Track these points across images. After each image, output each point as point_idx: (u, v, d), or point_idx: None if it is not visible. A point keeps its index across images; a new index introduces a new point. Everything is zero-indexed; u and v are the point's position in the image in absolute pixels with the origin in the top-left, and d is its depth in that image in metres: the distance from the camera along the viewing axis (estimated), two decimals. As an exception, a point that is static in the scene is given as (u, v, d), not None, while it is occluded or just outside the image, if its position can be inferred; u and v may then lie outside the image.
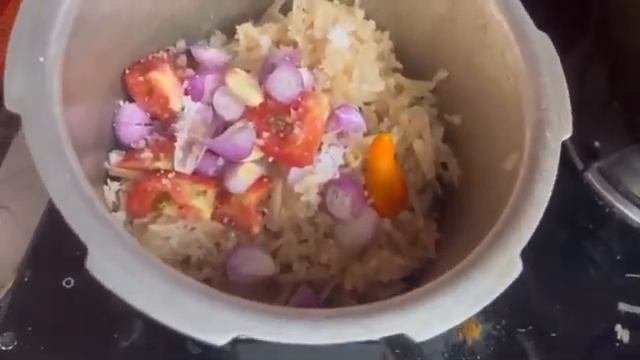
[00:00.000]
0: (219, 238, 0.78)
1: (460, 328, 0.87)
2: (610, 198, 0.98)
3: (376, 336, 0.51)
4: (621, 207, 0.98)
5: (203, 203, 0.75)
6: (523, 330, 0.89)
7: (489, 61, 0.73)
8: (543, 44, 0.67)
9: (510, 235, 0.58)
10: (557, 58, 0.67)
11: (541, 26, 0.69)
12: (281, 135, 0.74)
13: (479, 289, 0.55)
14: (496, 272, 0.56)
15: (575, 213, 0.99)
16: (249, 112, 0.77)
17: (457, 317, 0.53)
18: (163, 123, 0.82)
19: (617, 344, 0.91)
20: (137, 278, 0.50)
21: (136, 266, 0.50)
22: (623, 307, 0.95)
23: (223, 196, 0.78)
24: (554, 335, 0.89)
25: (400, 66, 0.87)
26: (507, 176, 0.65)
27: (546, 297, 0.92)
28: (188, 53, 0.85)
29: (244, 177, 0.75)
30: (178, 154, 0.75)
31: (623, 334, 0.92)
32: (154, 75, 0.77)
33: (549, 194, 0.60)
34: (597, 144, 0.99)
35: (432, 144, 0.82)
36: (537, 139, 0.64)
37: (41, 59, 0.57)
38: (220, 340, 0.49)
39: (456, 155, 0.84)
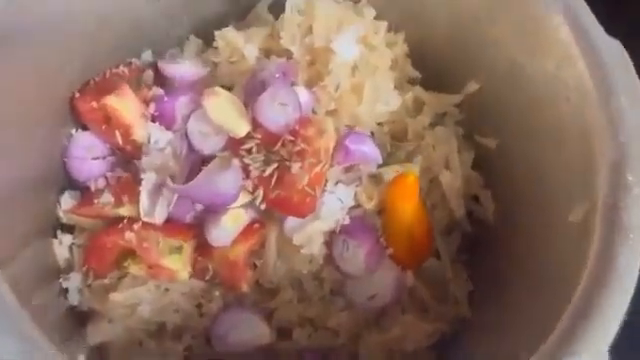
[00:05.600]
0: (200, 299, 0.63)
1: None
2: None
3: None
4: None
5: (178, 262, 0.60)
6: None
7: (540, 76, 0.57)
8: (616, 55, 0.51)
9: (592, 325, 0.43)
10: (635, 75, 0.51)
11: (609, 31, 0.53)
12: (275, 174, 0.58)
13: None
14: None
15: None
16: (233, 144, 0.61)
17: None
18: (127, 155, 0.65)
19: None
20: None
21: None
22: None
23: (204, 247, 0.62)
24: None
25: (418, 75, 0.70)
26: (574, 232, 0.50)
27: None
28: (155, 66, 0.68)
29: (229, 227, 0.59)
30: (144, 200, 0.60)
31: None
32: (110, 100, 0.61)
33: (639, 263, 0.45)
34: None
35: (461, 174, 0.66)
36: (615, 184, 0.48)
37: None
38: None
39: (490, 185, 0.68)
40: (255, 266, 0.63)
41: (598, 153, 0.50)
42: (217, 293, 0.63)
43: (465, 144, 0.69)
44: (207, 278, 0.63)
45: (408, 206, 0.59)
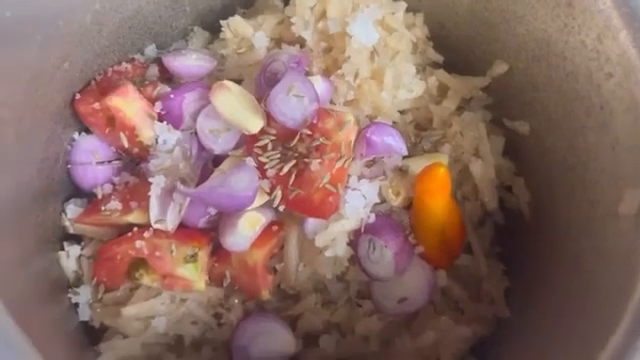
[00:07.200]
0: (219, 308, 0.60)
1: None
2: None
3: None
4: None
5: (194, 272, 0.56)
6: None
7: (576, 51, 0.52)
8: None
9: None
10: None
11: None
12: (293, 172, 0.54)
13: None
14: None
15: None
16: (247, 141, 0.56)
17: None
18: (134, 158, 0.61)
19: None
20: None
21: None
22: None
23: (220, 252, 0.58)
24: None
25: (441, 58, 0.66)
26: (625, 224, 0.45)
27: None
28: (160, 62, 0.64)
29: (246, 232, 0.56)
30: (154, 206, 0.56)
31: None
32: (113, 101, 0.57)
33: None
34: None
35: (492, 162, 0.61)
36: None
37: None
38: None
39: (522, 172, 0.63)
40: (275, 270, 0.59)
41: (649, 134, 0.46)
42: (236, 301, 0.60)
43: (494, 129, 0.64)
44: (225, 285, 0.59)
45: (439, 201, 0.54)
